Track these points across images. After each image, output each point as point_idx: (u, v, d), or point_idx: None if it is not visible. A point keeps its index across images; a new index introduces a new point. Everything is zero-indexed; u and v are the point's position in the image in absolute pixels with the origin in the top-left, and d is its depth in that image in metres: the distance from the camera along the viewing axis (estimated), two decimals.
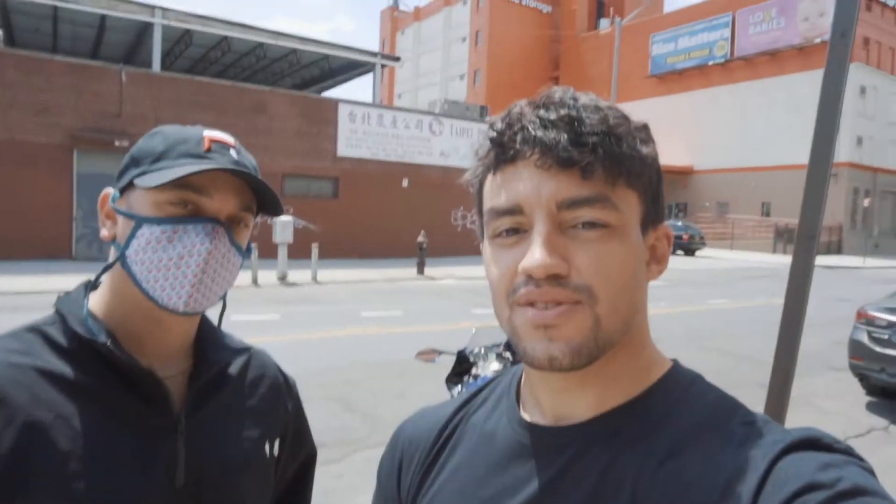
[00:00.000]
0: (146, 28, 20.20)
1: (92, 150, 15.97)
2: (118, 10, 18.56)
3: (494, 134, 0.63)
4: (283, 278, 14.40)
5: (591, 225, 0.59)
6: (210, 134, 0.91)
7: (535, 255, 0.58)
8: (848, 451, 0.56)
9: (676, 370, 0.68)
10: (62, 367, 0.83)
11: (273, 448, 1.02)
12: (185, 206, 0.86)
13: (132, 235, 0.86)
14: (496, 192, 0.62)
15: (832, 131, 1.75)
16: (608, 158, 0.59)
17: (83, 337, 0.85)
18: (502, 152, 0.62)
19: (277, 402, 1.06)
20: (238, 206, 0.90)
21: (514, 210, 0.60)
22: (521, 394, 0.72)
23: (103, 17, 19.77)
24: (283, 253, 14.49)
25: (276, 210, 0.94)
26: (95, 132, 15.93)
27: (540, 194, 0.59)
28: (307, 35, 22.45)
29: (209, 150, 0.88)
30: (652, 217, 0.65)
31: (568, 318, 0.59)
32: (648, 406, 0.64)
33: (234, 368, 1.01)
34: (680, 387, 0.65)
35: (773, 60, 35.52)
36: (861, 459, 0.55)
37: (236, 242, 0.90)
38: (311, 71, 26.09)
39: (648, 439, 0.61)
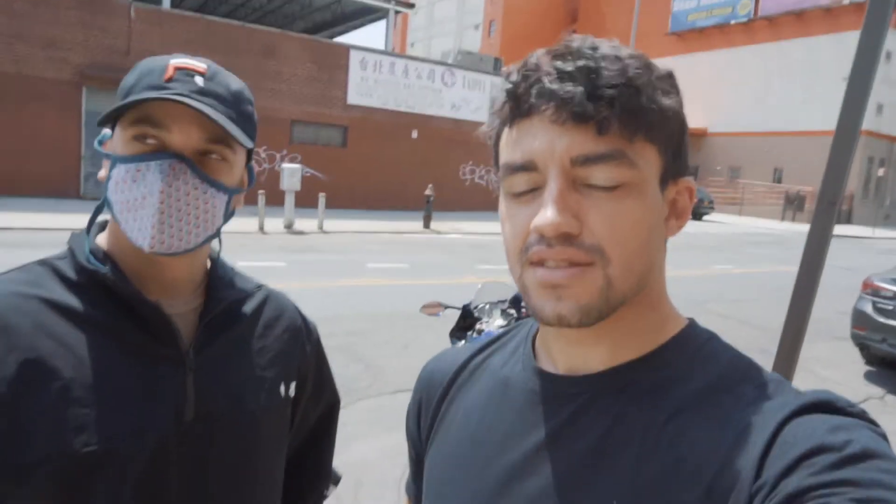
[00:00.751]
0: None
1: (100, 87, 15.76)
2: None
3: (510, 86, 0.61)
4: (289, 226, 14.41)
5: (606, 181, 0.58)
6: (177, 62, 0.86)
7: (546, 213, 0.57)
8: (861, 415, 0.54)
9: (692, 328, 0.67)
10: (69, 299, 0.83)
11: (289, 389, 1.02)
12: (148, 142, 0.83)
13: (109, 176, 0.85)
14: (511, 148, 0.61)
15: (864, 94, 1.68)
16: (626, 112, 0.57)
17: (90, 270, 0.85)
18: (517, 106, 0.60)
19: (294, 344, 1.06)
20: (204, 139, 0.85)
21: (527, 166, 0.59)
22: (537, 344, 0.73)
23: None
24: (290, 201, 14.46)
25: (238, 141, 0.87)
26: (104, 69, 15.69)
27: (553, 150, 0.57)
28: None
29: (170, 79, 0.84)
30: (672, 171, 0.63)
31: (578, 280, 0.58)
32: (661, 362, 0.63)
33: (248, 307, 1.01)
34: (694, 345, 0.64)
35: (798, 21, 34.42)
36: (874, 423, 0.54)
37: (207, 177, 0.85)
38: (323, 15, 25.50)
39: (659, 395, 0.60)
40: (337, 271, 10.07)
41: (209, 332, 0.93)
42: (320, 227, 14.77)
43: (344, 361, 5.77)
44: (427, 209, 16.63)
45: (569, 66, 0.57)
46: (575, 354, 0.66)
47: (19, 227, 11.02)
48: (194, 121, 0.84)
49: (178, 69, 0.85)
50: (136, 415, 0.83)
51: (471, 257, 12.56)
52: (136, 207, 0.83)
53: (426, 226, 16.69)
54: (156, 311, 0.86)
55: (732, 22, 37.29)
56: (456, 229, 17.10)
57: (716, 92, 37.13)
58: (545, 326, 0.67)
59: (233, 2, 24.53)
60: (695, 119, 37.47)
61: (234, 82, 0.91)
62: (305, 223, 15.01)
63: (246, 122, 0.90)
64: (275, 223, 14.40)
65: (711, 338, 0.66)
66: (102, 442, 0.79)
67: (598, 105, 0.56)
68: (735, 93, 36.55)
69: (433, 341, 6.32)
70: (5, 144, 14.87)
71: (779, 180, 34.77)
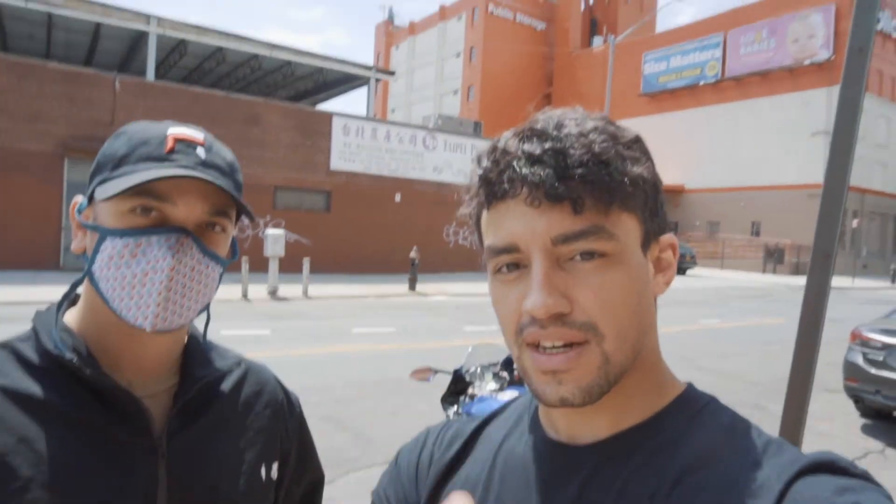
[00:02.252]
0: (141, 37, 20.18)
1: (83, 158, 15.81)
2: (113, 18, 18.55)
3: (481, 171, 0.63)
4: (273, 293, 14.26)
5: (588, 255, 0.59)
6: (175, 132, 0.83)
7: (535, 296, 0.57)
8: (865, 476, 0.55)
9: (691, 392, 0.67)
10: (31, 386, 0.77)
11: (271, 471, 0.95)
12: (149, 215, 0.79)
13: (96, 249, 0.80)
14: (492, 230, 0.63)
15: (849, 147, 1.69)
16: (597, 188, 0.58)
17: (55, 354, 0.79)
18: (491, 190, 0.62)
19: (276, 422, 0.99)
20: (207, 211, 0.82)
21: (510, 248, 0.60)
22: (540, 414, 0.72)
23: (98, 25, 19.73)
24: (273, 267, 14.37)
25: (247, 213, 0.87)
26: (87, 140, 15.78)
27: (534, 231, 0.59)
28: (301, 48, 22.68)
29: (172, 150, 0.81)
30: (653, 232, 0.64)
31: (576, 363, 0.58)
32: (663, 426, 0.63)
33: (227, 385, 0.95)
34: (694, 407, 0.65)
35: (764, 81, 35.94)
36: (878, 485, 0.54)
37: (210, 251, 0.83)
38: (306, 83, 26.12)
39: (663, 459, 0.60)
40: (322, 337, 9.91)
41: (184, 416, 0.87)
42: (305, 293, 14.62)
43: (331, 431, 5.58)
44: (412, 272, 16.59)
45: (536, 149, 0.59)
46: (579, 424, 0.65)
47: None
48: (199, 193, 0.81)
49: (177, 140, 0.82)
50: None
51: (458, 319, 12.46)
52: (135, 284, 0.78)
53: (412, 288, 16.61)
54: (126, 396, 0.80)
55: (702, 83, 38.82)
56: (441, 291, 17.03)
57: (690, 149, 38.21)
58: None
59: (217, 72, 25.08)
60: (671, 176, 38.37)
61: (228, 152, 0.89)
62: (290, 289, 14.87)
63: (240, 191, 0.89)
64: (259, 290, 14.25)
65: (711, 400, 0.66)
66: None
67: (570, 185, 0.57)
68: (709, 150, 37.65)
69: (424, 408, 6.15)
70: None
71: (757, 233, 35.41)
